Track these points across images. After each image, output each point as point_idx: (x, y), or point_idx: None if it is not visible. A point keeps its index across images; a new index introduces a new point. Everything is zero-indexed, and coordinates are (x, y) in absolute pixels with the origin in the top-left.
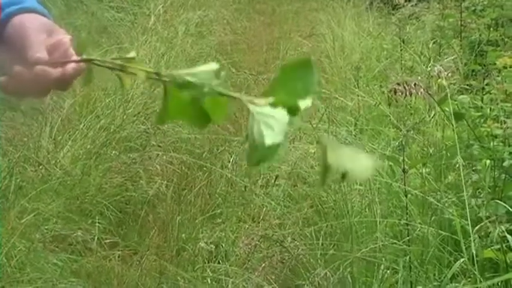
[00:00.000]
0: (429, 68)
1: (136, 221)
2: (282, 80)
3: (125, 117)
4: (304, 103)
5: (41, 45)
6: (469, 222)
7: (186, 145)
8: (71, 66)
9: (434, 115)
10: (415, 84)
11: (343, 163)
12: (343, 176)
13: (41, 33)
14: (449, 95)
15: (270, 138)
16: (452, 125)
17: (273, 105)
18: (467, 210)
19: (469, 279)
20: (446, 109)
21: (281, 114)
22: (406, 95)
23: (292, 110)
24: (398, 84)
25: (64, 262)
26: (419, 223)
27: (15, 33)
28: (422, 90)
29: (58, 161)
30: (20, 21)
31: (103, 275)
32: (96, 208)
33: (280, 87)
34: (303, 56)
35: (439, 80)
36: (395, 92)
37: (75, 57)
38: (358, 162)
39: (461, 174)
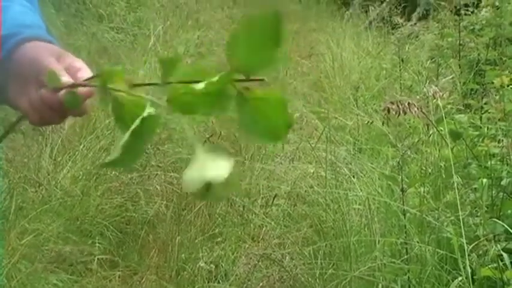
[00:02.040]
0: (424, 89)
1: (136, 241)
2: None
3: None
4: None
5: (61, 70)
6: (465, 241)
7: (186, 165)
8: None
9: (432, 134)
10: (408, 104)
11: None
12: (207, 187)
13: (54, 60)
14: (445, 114)
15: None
16: (447, 145)
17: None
18: (463, 229)
19: None
20: (441, 129)
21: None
22: (399, 113)
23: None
24: (392, 103)
25: (64, 282)
26: (418, 242)
27: (25, 63)
28: (416, 109)
29: (58, 181)
30: (28, 51)
31: None
32: (96, 228)
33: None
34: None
35: (434, 101)
36: (388, 111)
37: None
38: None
39: (457, 193)
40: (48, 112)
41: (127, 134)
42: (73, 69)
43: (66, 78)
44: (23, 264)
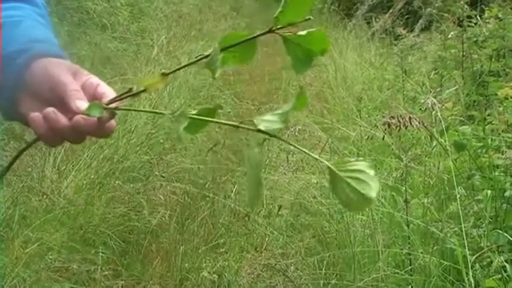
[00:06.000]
0: (422, 101)
1: (139, 251)
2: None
3: (128, 147)
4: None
5: (79, 92)
6: (469, 252)
7: (189, 175)
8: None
9: (435, 145)
10: (409, 118)
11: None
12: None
13: (71, 77)
14: (449, 125)
15: (370, 191)
16: (450, 156)
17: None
18: (465, 240)
19: None
20: (442, 141)
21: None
22: (400, 128)
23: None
24: (392, 117)
25: None
26: (422, 253)
27: (40, 80)
28: (417, 123)
29: (62, 190)
30: (42, 67)
31: None
32: (99, 238)
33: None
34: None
35: (434, 112)
36: (389, 126)
37: (106, 98)
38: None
39: (460, 205)
40: (73, 135)
41: (248, 176)
42: (91, 85)
43: (84, 102)
44: (27, 273)
